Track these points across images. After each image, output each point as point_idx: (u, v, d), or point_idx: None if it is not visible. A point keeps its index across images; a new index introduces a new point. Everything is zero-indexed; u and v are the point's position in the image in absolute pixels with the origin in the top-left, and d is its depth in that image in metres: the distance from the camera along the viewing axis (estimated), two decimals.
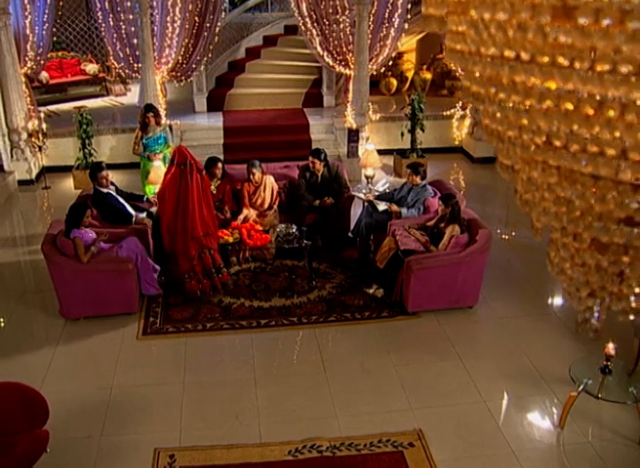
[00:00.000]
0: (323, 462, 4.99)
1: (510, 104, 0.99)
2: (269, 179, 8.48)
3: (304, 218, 8.32)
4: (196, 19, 11.31)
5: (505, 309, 7.19)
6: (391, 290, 7.25)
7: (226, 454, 5.07)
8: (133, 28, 10.93)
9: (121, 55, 11.38)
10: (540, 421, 5.49)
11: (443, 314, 7.04)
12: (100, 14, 10.93)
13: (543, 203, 1.17)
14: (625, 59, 0.84)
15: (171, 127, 10.48)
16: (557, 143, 0.99)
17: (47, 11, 10.82)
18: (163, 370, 6.24)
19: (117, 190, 8.10)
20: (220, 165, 8.27)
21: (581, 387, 5.18)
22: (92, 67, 14.50)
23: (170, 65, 11.46)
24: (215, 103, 13.13)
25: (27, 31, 10.74)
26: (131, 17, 10.84)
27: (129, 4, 10.72)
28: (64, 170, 11.20)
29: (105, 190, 7.86)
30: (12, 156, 10.98)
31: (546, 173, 1.08)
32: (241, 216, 8.18)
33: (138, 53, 11.08)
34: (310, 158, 8.52)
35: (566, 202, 1.09)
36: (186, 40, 11.35)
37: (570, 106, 0.94)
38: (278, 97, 13.29)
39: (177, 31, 11.15)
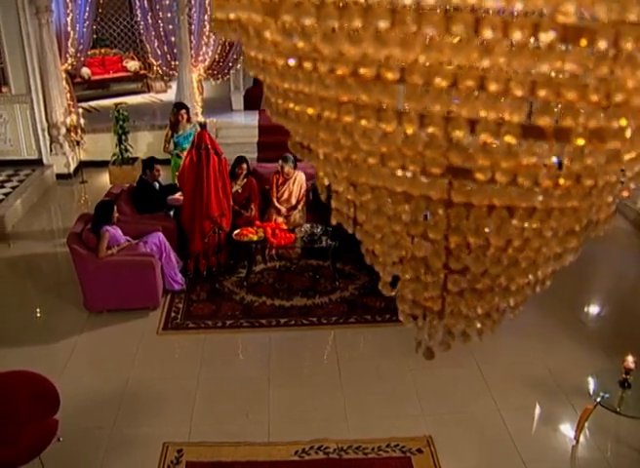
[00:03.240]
0: (329, 464, 4.96)
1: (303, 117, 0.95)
2: (300, 175, 8.48)
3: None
4: None
5: (529, 317, 7.00)
6: None
7: (233, 452, 5.09)
8: (170, 26, 11.09)
9: (159, 52, 11.56)
10: (554, 433, 5.35)
11: None
12: (139, 11, 11.13)
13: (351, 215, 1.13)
14: (343, 60, 0.79)
15: (202, 125, 10.58)
16: (338, 156, 0.95)
17: (87, 8, 11.06)
18: (179, 365, 6.31)
19: (160, 185, 8.46)
20: (244, 165, 8.37)
21: (598, 400, 5.03)
22: (133, 64, 14.77)
23: (207, 63, 11.59)
24: (252, 102, 13.20)
25: (69, 28, 11.00)
26: (169, 15, 11.00)
27: (167, 2, 10.88)
28: (102, 165, 11.42)
29: (151, 183, 8.23)
30: (51, 150, 11.27)
31: (339, 183, 1.04)
32: (273, 215, 8.26)
33: (175, 50, 11.24)
34: None
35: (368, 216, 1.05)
36: (223, 38, 11.43)
37: (331, 114, 0.90)
38: None
39: None
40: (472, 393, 5.82)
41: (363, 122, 0.84)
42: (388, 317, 7.02)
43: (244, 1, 0.82)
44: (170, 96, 14.21)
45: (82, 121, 11.21)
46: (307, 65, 0.84)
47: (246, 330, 6.87)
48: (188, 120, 9.36)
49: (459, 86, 0.76)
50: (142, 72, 14.86)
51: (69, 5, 10.83)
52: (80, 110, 11.70)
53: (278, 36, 0.82)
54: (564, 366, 6.15)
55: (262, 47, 0.88)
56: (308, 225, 7.96)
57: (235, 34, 0.92)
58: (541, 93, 0.73)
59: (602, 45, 0.69)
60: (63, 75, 11.21)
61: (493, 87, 0.75)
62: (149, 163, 8.44)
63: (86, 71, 13.67)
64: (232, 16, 0.86)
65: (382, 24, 0.73)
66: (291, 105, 0.97)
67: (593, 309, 7.61)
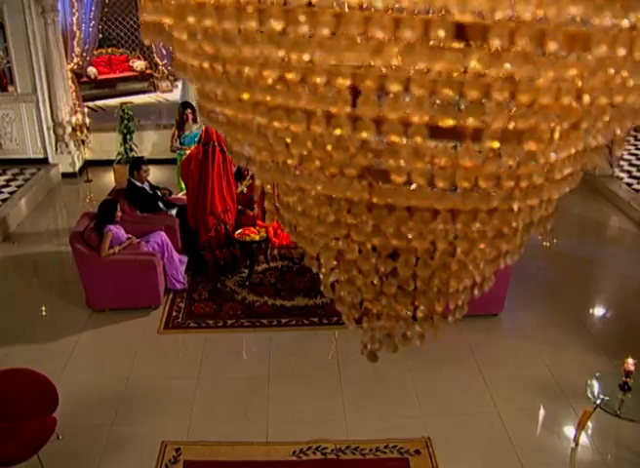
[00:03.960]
0: (326, 465, 4.96)
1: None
2: None
3: None
4: None
5: (531, 318, 7.00)
6: None
7: (231, 451, 5.09)
8: None
9: (165, 52, 11.59)
10: (554, 436, 5.33)
11: (466, 321, 6.77)
12: None
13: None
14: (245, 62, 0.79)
15: None
16: (259, 158, 0.95)
17: (93, 8, 11.10)
18: (180, 364, 6.33)
19: (151, 186, 8.35)
20: None
21: (597, 403, 5.00)
22: (139, 64, 14.81)
23: None
24: None
25: (74, 28, 11.04)
26: None
27: None
28: (107, 164, 11.45)
29: (140, 185, 8.12)
30: (56, 149, 11.31)
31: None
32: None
33: None
34: None
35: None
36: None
37: (245, 116, 0.90)
38: None
39: None
40: (472, 395, 5.80)
41: (275, 123, 0.84)
42: None
43: (157, 4, 0.81)
44: (176, 95, 14.24)
45: (87, 120, 11.25)
46: (218, 67, 0.84)
47: (247, 329, 6.88)
48: (194, 120, 9.37)
49: (360, 86, 0.76)
50: (149, 72, 14.90)
51: (75, 4, 10.88)
52: (85, 109, 11.73)
53: (187, 38, 0.82)
54: (566, 368, 6.11)
55: (182, 49, 0.89)
56: None
57: (158, 37, 0.91)
58: (444, 92, 0.73)
59: (495, 43, 0.68)
60: (69, 74, 11.25)
61: (393, 87, 0.75)
62: (136, 164, 8.27)
63: (92, 71, 13.72)
64: (150, 19, 0.86)
65: (276, 25, 0.73)
66: (210, 106, 0.97)
67: (597, 311, 7.57)
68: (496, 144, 0.76)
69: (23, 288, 8.02)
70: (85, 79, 13.24)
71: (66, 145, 11.30)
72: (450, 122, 0.74)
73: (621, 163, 11.59)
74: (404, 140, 0.77)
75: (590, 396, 5.09)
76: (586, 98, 0.75)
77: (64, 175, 11.43)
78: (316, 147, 0.84)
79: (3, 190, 10.24)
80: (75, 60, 11.39)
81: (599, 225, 9.99)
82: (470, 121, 0.74)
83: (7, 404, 4.69)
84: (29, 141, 11.20)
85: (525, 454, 5.07)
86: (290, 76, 0.79)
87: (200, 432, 5.31)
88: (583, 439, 5.18)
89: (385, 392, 5.85)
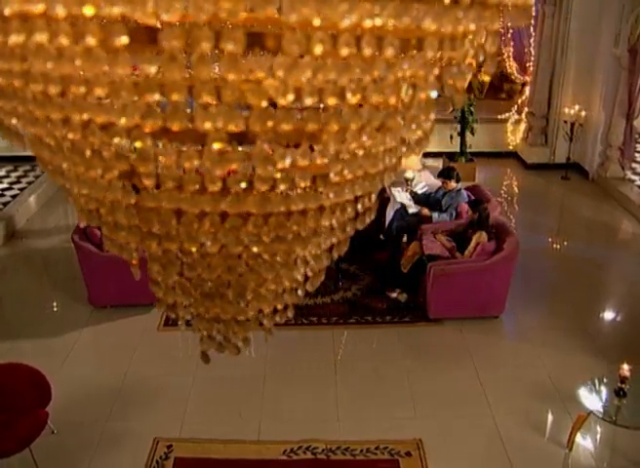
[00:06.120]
0: (316, 464, 4.96)
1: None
2: None
3: None
4: None
5: (532, 321, 6.94)
6: (416, 294, 7.15)
7: (223, 449, 5.11)
8: None
9: None
10: (547, 441, 5.27)
11: (467, 322, 6.86)
12: None
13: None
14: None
15: None
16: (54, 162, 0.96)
17: None
18: (177, 361, 6.34)
19: None
20: None
21: (591, 409, 4.94)
22: None
23: None
24: None
25: None
26: None
27: None
28: None
29: None
30: None
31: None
32: None
33: None
34: None
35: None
36: None
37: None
38: None
39: None
40: (467, 397, 5.77)
41: (38, 131, 0.85)
42: (389, 319, 6.99)
43: None
44: None
45: None
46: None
47: None
48: None
49: (67, 92, 0.77)
50: None
51: None
52: None
53: None
54: (565, 372, 6.05)
55: None
56: None
57: None
58: (147, 96, 0.73)
59: (165, 45, 0.68)
60: None
61: (98, 91, 0.76)
62: None
63: None
64: None
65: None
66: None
67: (600, 315, 7.47)
68: (217, 146, 0.76)
69: (30, 284, 8.11)
70: None
71: None
72: (156, 125, 0.74)
73: (634, 165, 11.46)
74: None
75: (584, 401, 5.03)
76: (308, 100, 0.76)
77: None
78: (74, 152, 0.85)
79: (13, 187, 10.37)
80: None
81: (609, 228, 9.88)
82: (175, 124, 0.74)
83: (1, 398, 4.75)
84: None
85: (517, 458, 5.03)
86: (16, 83, 0.81)
87: (194, 429, 5.34)
88: (579, 445, 5.12)
89: (381, 393, 5.83)
